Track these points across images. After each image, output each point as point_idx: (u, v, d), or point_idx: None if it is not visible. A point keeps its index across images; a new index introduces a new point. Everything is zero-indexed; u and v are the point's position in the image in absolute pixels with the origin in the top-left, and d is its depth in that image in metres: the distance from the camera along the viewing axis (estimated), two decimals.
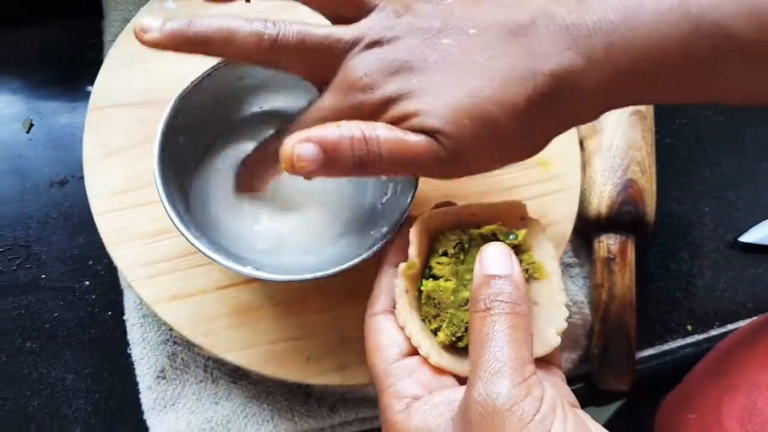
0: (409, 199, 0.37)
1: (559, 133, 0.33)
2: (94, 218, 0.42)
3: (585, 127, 0.51)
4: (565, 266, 0.50)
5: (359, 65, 0.31)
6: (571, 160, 0.48)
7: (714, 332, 0.52)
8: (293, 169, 0.29)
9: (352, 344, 0.42)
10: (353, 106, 0.31)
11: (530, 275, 0.34)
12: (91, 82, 0.47)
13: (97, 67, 0.47)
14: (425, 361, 0.31)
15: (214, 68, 0.38)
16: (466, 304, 0.32)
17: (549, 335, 0.32)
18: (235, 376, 0.45)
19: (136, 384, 0.44)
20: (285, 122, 0.35)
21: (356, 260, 0.35)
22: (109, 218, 0.42)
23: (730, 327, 0.52)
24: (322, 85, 0.33)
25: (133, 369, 0.45)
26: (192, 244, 0.35)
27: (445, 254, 0.34)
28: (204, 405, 0.44)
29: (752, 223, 0.54)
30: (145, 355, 0.44)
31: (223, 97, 0.41)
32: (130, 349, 0.45)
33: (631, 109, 0.51)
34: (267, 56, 0.32)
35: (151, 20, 0.32)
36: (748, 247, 0.54)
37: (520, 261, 0.32)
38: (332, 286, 0.43)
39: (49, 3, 0.55)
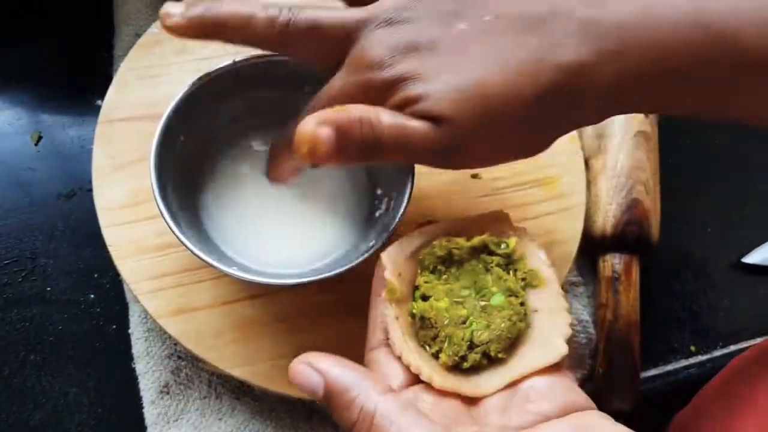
0: (397, 216, 0.37)
1: (564, 133, 0.32)
2: (102, 231, 0.42)
3: (590, 147, 0.51)
4: (570, 285, 0.50)
5: (370, 43, 0.31)
6: (577, 179, 0.48)
7: (717, 353, 0.52)
8: (313, 154, 0.28)
9: (357, 362, 0.42)
10: (361, 84, 0.31)
11: (527, 283, 0.32)
12: (101, 96, 0.47)
13: (107, 81, 0.47)
14: (428, 387, 0.29)
15: (218, 70, 0.39)
16: (464, 321, 0.31)
17: (556, 343, 0.30)
18: (239, 392, 0.44)
19: (139, 398, 0.44)
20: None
21: (333, 272, 0.36)
22: (117, 231, 0.42)
23: (733, 348, 0.52)
24: (336, 69, 0.33)
25: (137, 383, 0.44)
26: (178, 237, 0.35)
27: (433, 272, 0.32)
28: (207, 421, 0.44)
29: (756, 244, 0.55)
30: (149, 370, 0.44)
31: (228, 100, 0.42)
32: (134, 363, 0.45)
33: (635, 129, 0.51)
34: (281, 40, 0.32)
35: (174, 6, 0.33)
36: (751, 267, 0.54)
37: (515, 270, 0.32)
38: (337, 303, 0.43)
39: (60, 17, 0.56)
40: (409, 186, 0.38)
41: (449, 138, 0.29)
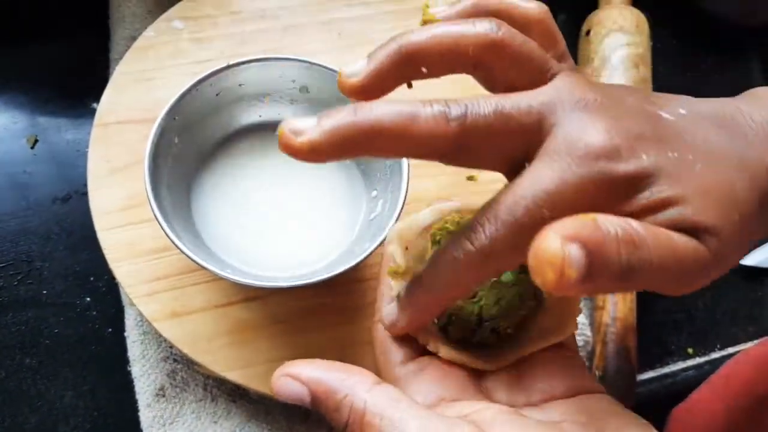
0: (392, 218, 0.37)
1: None
2: (98, 234, 0.42)
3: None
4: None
5: (593, 125, 0.24)
6: None
7: (715, 355, 0.52)
8: (560, 282, 0.19)
9: (353, 363, 0.42)
10: (592, 180, 0.23)
11: None
12: (97, 99, 0.47)
13: (103, 85, 0.47)
14: (434, 358, 0.28)
15: (213, 73, 0.39)
16: (474, 296, 0.30)
17: (566, 321, 0.30)
18: (235, 395, 0.44)
19: (135, 402, 0.44)
20: None
21: (326, 276, 0.36)
22: (112, 234, 0.42)
23: (731, 350, 0.52)
24: (515, 169, 0.26)
25: (133, 386, 0.44)
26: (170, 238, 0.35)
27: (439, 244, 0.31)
28: (203, 424, 0.43)
29: (753, 247, 0.55)
30: (144, 373, 0.44)
31: (223, 103, 0.42)
32: (130, 366, 0.45)
33: None
34: (457, 144, 0.24)
35: (301, 121, 0.24)
36: (749, 270, 0.54)
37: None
38: (332, 306, 0.43)
39: (56, 20, 0.56)
40: (404, 188, 0.38)
41: (718, 250, 0.24)
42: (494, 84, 0.27)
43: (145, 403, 0.44)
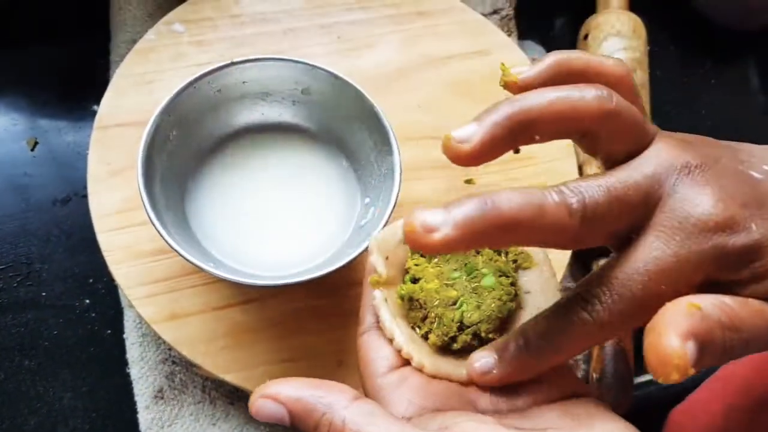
0: (380, 224, 0.38)
1: None
2: (97, 236, 0.43)
3: (584, 153, 0.52)
4: (564, 290, 0.50)
5: (702, 196, 0.24)
6: None
7: None
8: (680, 378, 0.20)
9: (350, 367, 0.42)
10: (707, 255, 0.24)
11: (519, 265, 0.32)
12: (97, 102, 0.47)
13: (104, 87, 0.48)
14: (417, 370, 0.29)
15: (213, 70, 0.40)
16: (454, 303, 0.30)
17: None
18: (233, 397, 0.45)
19: (134, 403, 0.44)
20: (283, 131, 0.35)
21: (313, 276, 0.36)
22: (112, 236, 0.43)
23: None
24: (621, 241, 0.26)
25: (132, 388, 0.44)
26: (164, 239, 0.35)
27: (423, 255, 0.31)
28: (201, 426, 0.44)
29: None
30: (143, 375, 0.44)
31: (223, 101, 0.43)
32: (128, 368, 0.45)
33: None
34: (580, 230, 0.24)
35: (431, 214, 0.23)
36: None
37: (506, 252, 0.32)
38: (329, 309, 0.43)
39: (57, 23, 0.56)
40: (394, 195, 0.38)
41: None
42: (596, 150, 0.27)
43: (143, 405, 0.44)
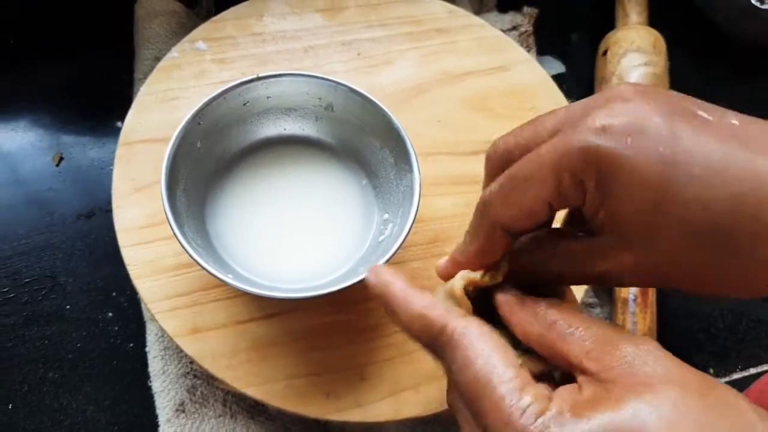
0: (398, 241, 0.38)
1: None
2: (121, 251, 0.43)
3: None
4: (586, 307, 0.50)
5: None
6: None
7: (737, 375, 0.51)
8: None
9: (372, 381, 0.42)
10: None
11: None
12: (121, 118, 0.48)
13: (127, 104, 0.48)
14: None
15: (243, 83, 0.41)
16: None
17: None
18: (254, 411, 0.45)
19: (155, 417, 0.44)
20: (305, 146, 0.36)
21: (329, 290, 0.36)
22: (135, 251, 0.43)
23: (753, 371, 0.51)
24: None
25: (153, 402, 0.45)
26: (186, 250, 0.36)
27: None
28: None
29: None
30: (165, 388, 0.45)
31: (250, 114, 0.43)
32: (150, 382, 0.45)
33: None
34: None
35: None
36: None
37: None
38: (352, 323, 0.43)
39: (82, 41, 0.57)
40: (413, 213, 0.39)
41: None
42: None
43: (165, 419, 0.44)
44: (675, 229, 0.23)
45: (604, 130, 0.23)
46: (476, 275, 0.28)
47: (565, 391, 0.23)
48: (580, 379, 0.23)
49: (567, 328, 0.24)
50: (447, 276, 0.29)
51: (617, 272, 0.25)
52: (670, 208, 0.22)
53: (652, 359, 0.22)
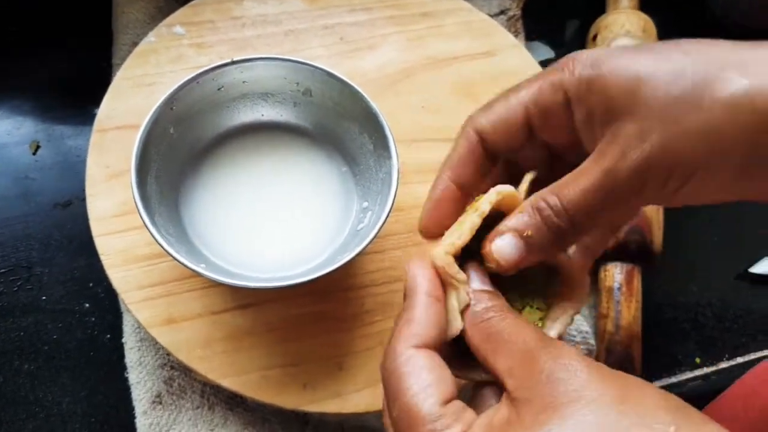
0: (374, 229, 0.37)
1: None
2: (94, 240, 0.42)
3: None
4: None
5: None
6: None
7: (723, 365, 0.51)
8: None
9: (351, 371, 0.41)
10: None
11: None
12: (99, 105, 0.47)
13: (106, 91, 0.47)
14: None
15: (216, 67, 0.40)
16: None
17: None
18: (232, 402, 0.44)
19: (132, 408, 0.44)
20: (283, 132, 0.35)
21: (304, 278, 0.35)
22: (108, 240, 0.42)
23: (740, 360, 0.51)
24: None
25: (130, 393, 0.44)
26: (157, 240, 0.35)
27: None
28: (200, 431, 0.43)
29: (762, 254, 0.53)
30: (141, 380, 0.44)
31: (225, 99, 0.42)
32: (127, 373, 0.45)
33: None
34: None
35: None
36: (758, 278, 0.53)
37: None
38: (330, 313, 0.42)
39: (59, 27, 0.56)
40: (390, 201, 0.38)
41: None
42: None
43: (141, 410, 0.43)
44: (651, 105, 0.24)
45: (574, 59, 0.26)
46: (449, 240, 0.27)
47: (486, 416, 0.23)
48: (503, 397, 0.23)
49: (504, 338, 0.24)
50: (432, 223, 0.30)
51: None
52: (642, 90, 0.24)
53: (568, 374, 0.22)
